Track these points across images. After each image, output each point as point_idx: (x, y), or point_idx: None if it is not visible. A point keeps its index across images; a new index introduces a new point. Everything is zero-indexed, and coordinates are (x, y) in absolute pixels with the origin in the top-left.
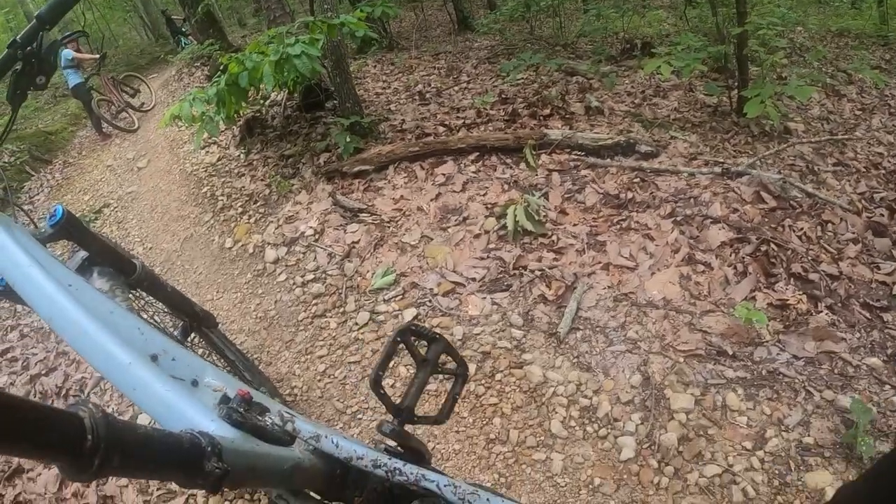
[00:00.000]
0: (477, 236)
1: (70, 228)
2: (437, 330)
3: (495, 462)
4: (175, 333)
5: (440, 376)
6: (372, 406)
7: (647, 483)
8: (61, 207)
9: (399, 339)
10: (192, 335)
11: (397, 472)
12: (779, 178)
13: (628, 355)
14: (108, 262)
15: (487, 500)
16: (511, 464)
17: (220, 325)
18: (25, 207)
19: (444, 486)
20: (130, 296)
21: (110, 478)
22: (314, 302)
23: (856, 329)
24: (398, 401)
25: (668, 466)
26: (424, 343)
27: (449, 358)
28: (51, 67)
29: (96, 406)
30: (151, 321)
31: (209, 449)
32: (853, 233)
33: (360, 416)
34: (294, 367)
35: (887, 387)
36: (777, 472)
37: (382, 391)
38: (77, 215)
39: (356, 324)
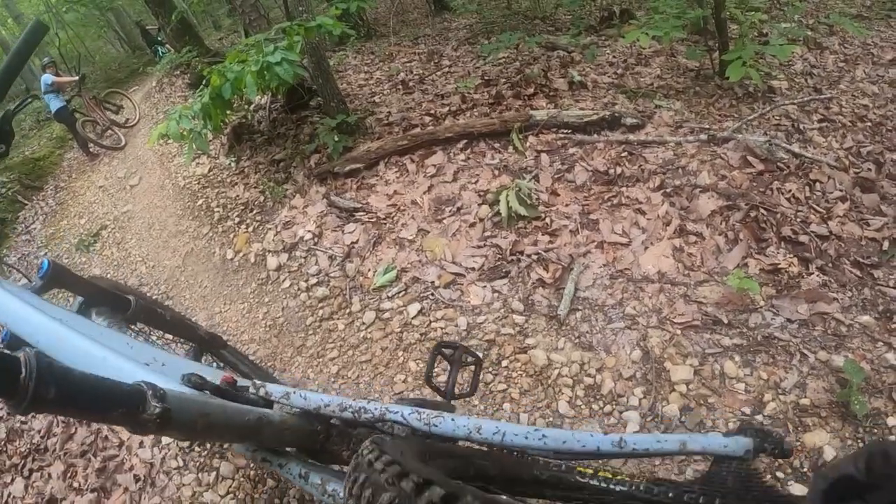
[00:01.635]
0: (472, 225)
1: (59, 278)
2: (443, 322)
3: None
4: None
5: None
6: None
7: None
8: (47, 261)
9: (435, 351)
10: (203, 357)
11: (363, 410)
12: (765, 140)
13: (627, 331)
14: (103, 302)
15: (452, 419)
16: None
17: (229, 340)
18: (22, 239)
19: (409, 414)
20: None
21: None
22: (320, 305)
23: (847, 288)
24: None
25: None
26: (451, 349)
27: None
28: (8, 135)
29: (35, 350)
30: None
31: (150, 393)
32: (841, 190)
33: None
34: (308, 372)
35: (880, 343)
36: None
37: (433, 385)
38: (76, 241)
39: (363, 323)
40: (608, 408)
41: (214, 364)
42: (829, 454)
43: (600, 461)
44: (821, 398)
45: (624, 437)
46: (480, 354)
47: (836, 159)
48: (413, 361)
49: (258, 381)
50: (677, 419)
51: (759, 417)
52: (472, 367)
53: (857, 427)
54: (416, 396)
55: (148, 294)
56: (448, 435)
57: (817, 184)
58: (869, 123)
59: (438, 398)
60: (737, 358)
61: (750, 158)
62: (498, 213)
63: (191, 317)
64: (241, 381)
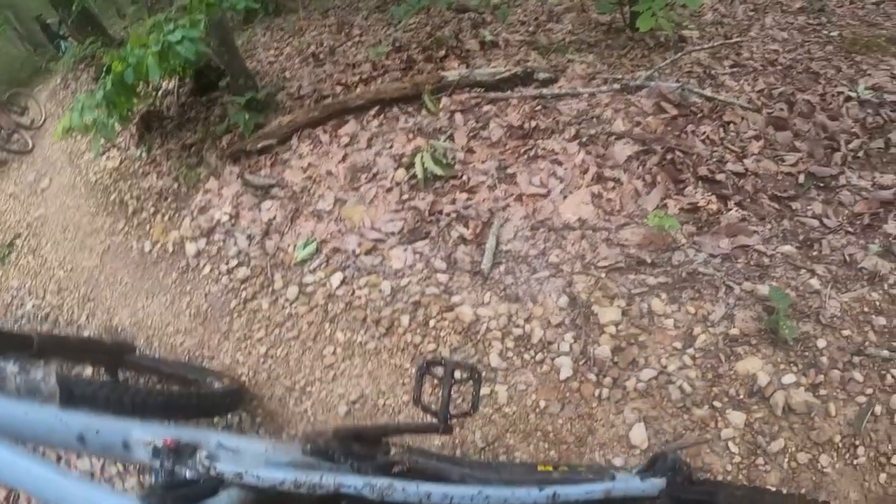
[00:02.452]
0: (389, 190)
1: None
2: (366, 289)
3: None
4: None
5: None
6: (318, 378)
7: (589, 397)
8: None
9: (421, 371)
10: (119, 373)
11: (317, 486)
12: (677, 86)
13: (553, 279)
14: (7, 347)
15: (403, 488)
16: (459, 404)
17: (154, 334)
18: None
19: (362, 487)
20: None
21: None
22: (243, 287)
23: (766, 221)
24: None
25: (607, 378)
26: (440, 366)
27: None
28: None
29: None
30: None
31: None
32: (755, 130)
33: (309, 388)
34: (237, 356)
35: (803, 271)
36: (709, 365)
37: (424, 406)
38: None
39: (287, 300)
40: (540, 356)
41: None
42: (763, 380)
43: None
44: (749, 327)
45: (557, 491)
46: (406, 319)
47: (749, 101)
48: (340, 332)
49: (204, 456)
50: (610, 360)
51: (689, 351)
52: (470, 383)
53: (789, 351)
54: (408, 421)
55: (69, 298)
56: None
57: (731, 125)
58: (779, 67)
59: (433, 420)
60: (663, 295)
61: (663, 104)
62: (414, 176)
63: (113, 316)
64: (185, 437)
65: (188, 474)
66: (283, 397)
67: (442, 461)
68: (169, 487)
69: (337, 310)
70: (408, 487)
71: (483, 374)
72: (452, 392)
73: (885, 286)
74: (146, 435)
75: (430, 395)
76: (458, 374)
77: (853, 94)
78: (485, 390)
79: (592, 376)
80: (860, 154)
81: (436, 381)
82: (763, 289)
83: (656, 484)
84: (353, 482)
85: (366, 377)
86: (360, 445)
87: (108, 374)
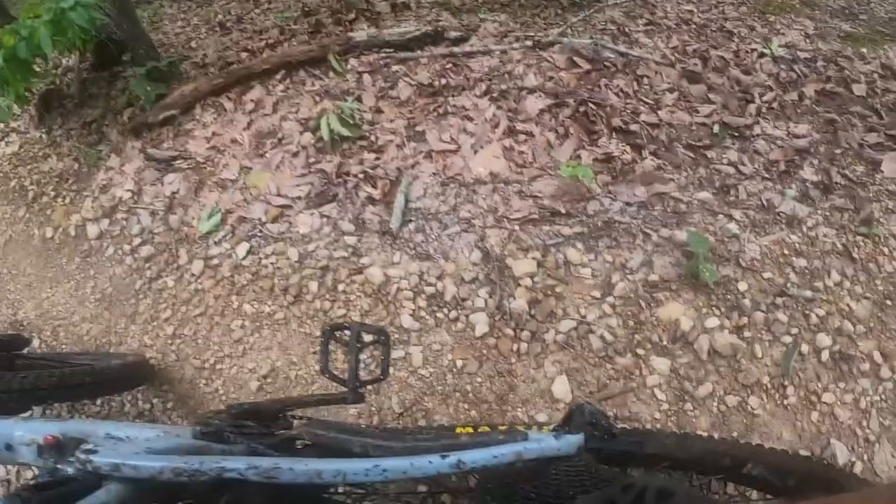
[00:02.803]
0: (295, 154)
1: None
2: (273, 258)
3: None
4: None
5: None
6: (228, 354)
7: (507, 352)
8: None
9: (326, 336)
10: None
11: (199, 473)
12: (590, 42)
13: (464, 235)
14: None
15: (290, 468)
16: (373, 369)
17: (61, 324)
18: None
19: (245, 470)
20: None
21: None
22: (147, 266)
23: (682, 169)
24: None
25: (524, 331)
26: (345, 331)
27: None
28: None
29: None
30: None
31: None
32: (669, 83)
33: (219, 366)
34: (144, 339)
35: (720, 216)
36: (630, 313)
37: (332, 374)
38: None
39: (193, 275)
40: (454, 314)
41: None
42: (686, 325)
43: None
44: (669, 273)
45: (461, 458)
46: (314, 285)
47: (663, 56)
48: (247, 304)
49: (84, 450)
50: (527, 314)
51: (609, 300)
52: (379, 346)
53: (710, 295)
54: (317, 393)
55: None
56: (291, 483)
57: (645, 79)
58: (694, 26)
59: (344, 389)
60: (579, 245)
61: (577, 60)
62: (321, 139)
63: (18, 310)
64: (71, 430)
65: (70, 471)
66: (193, 378)
67: (346, 432)
68: (39, 488)
69: (244, 281)
70: (296, 466)
71: (391, 335)
72: (361, 357)
73: (804, 229)
74: (28, 433)
75: (343, 362)
76: (365, 338)
77: (767, 52)
78: (399, 353)
79: (510, 331)
80: (774, 105)
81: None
82: (681, 235)
83: (573, 441)
84: (235, 465)
85: (276, 349)
86: (256, 423)
87: (2, 370)
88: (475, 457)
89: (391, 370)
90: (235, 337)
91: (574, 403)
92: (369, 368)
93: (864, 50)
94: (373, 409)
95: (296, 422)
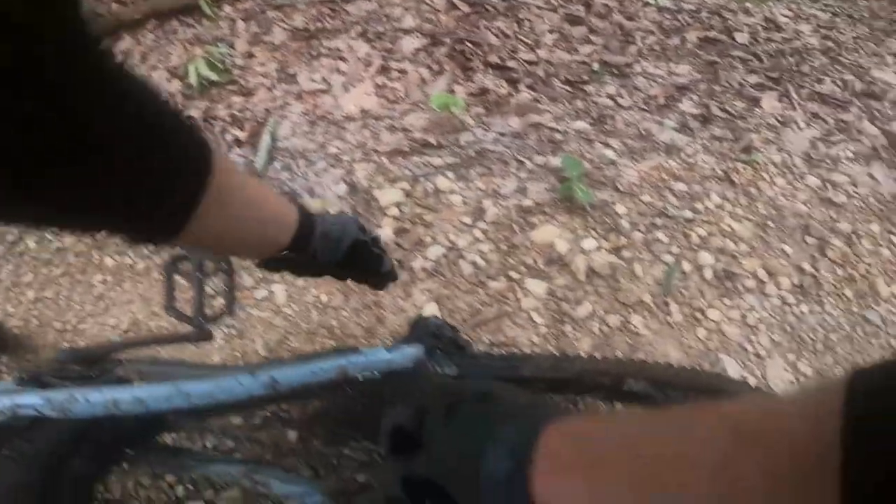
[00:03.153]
0: None
1: None
2: None
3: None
4: None
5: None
6: (89, 313)
7: None
8: None
9: (169, 269)
10: None
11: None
12: None
13: (331, 170)
14: None
15: (87, 399)
16: (237, 312)
17: None
18: None
19: (41, 405)
20: None
21: None
22: (7, 230)
23: (559, 102)
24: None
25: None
26: (186, 262)
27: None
28: None
29: None
30: None
31: None
32: (550, 26)
33: (81, 326)
34: (7, 308)
35: (597, 143)
36: (503, 237)
37: (176, 312)
38: None
39: (54, 232)
40: None
41: None
42: (562, 247)
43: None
44: (543, 197)
45: (274, 376)
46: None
47: (546, 1)
48: (109, 257)
49: None
50: (393, 243)
51: (480, 225)
52: (223, 277)
53: (587, 217)
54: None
55: None
56: (89, 417)
57: (526, 21)
58: None
59: (190, 328)
60: (450, 174)
61: (456, 2)
62: (190, 85)
63: None
64: None
65: None
66: (55, 342)
67: (174, 366)
68: None
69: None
70: (91, 397)
71: (233, 263)
72: (208, 291)
73: (683, 156)
74: None
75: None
76: (208, 269)
77: (651, 2)
78: (262, 293)
79: None
80: (656, 48)
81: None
82: (556, 161)
83: (409, 353)
84: (29, 401)
85: (138, 301)
86: (81, 367)
87: None
88: (291, 374)
89: (255, 311)
90: (97, 293)
91: (418, 315)
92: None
93: (749, 5)
94: (237, 353)
95: (125, 364)
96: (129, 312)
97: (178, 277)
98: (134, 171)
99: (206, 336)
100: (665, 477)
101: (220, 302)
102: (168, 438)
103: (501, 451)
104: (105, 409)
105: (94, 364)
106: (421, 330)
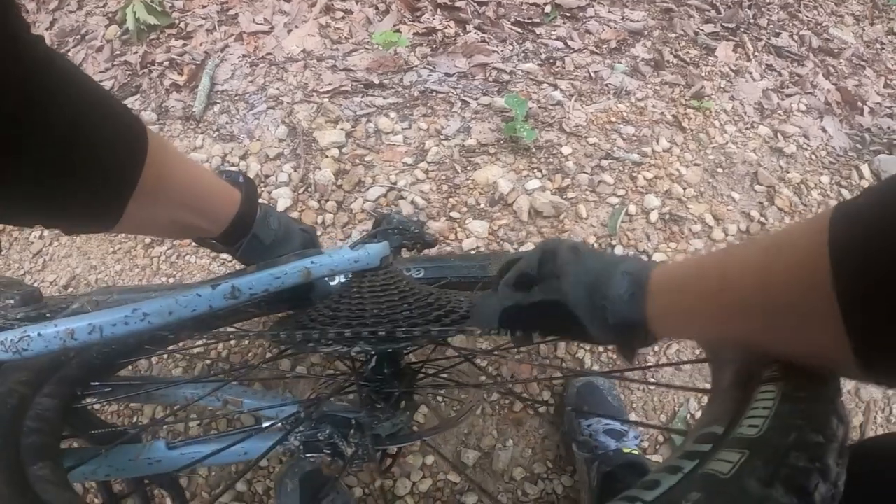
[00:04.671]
0: (99, 49)
1: None
2: None
3: (160, 266)
4: None
5: None
6: (28, 270)
7: (311, 224)
8: None
9: None
10: None
11: None
12: None
13: (271, 112)
14: None
15: (40, 334)
16: (174, 261)
17: None
18: None
19: None
20: None
21: None
22: None
23: (508, 43)
24: None
25: (330, 202)
26: None
27: None
28: None
29: None
30: None
31: None
32: None
33: None
34: None
35: (545, 85)
36: (444, 177)
37: None
38: None
39: None
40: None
41: None
42: (505, 187)
43: None
44: (487, 137)
45: (235, 284)
46: None
47: None
48: None
49: None
50: (332, 183)
51: (422, 165)
52: None
53: (531, 158)
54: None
55: None
56: (43, 353)
57: None
58: None
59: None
60: (392, 114)
61: None
62: (127, 31)
63: None
64: None
65: None
66: None
67: (130, 292)
68: None
69: None
70: (45, 331)
71: None
72: None
73: (633, 100)
74: None
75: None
76: None
77: None
78: None
79: (314, 203)
80: None
81: None
82: (501, 102)
83: (374, 251)
84: None
85: (76, 255)
86: (33, 309)
87: None
88: (252, 280)
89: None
90: (35, 250)
91: (379, 212)
92: None
93: None
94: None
95: (79, 297)
96: (67, 268)
97: None
98: (66, 163)
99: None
100: (724, 286)
101: None
102: (134, 369)
103: (625, 278)
104: (61, 342)
105: (46, 304)
106: (385, 226)
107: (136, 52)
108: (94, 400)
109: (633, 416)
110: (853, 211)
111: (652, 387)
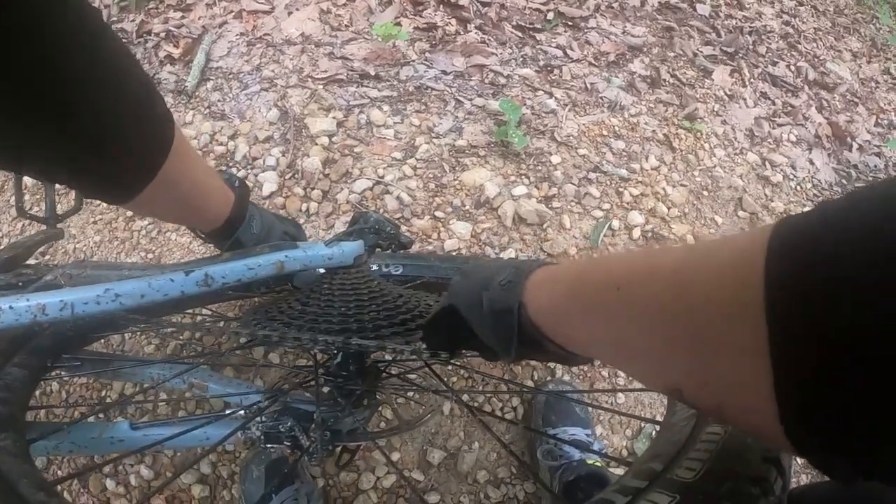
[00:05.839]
0: None
1: None
2: None
3: (139, 240)
4: None
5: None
6: None
7: (295, 212)
8: None
9: (17, 175)
10: None
11: None
12: None
13: (264, 94)
14: None
15: (10, 306)
16: (155, 236)
17: None
18: None
19: None
20: None
21: None
22: None
23: (507, 46)
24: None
25: (315, 191)
26: None
27: None
28: None
29: None
30: None
31: None
32: None
33: None
34: None
35: (540, 92)
36: (432, 175)
37: (29, 213)
38: None
39: None
40: (242, 173)
41: None
42: (492, 191)
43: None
44: (478, 139)
45: (209, 272)
46: None
47: None
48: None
49: None
50: (320, 172)
51: (410, 161)
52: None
53: (520, 164)
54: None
55: None
56: (13, 326)
57: None
58: None
59: (43, 227)
60: (385, 107)
61: None
62: None
63: None
64: None
65: None
66: None
67: (102, 268)
68: None
69: None
70: (16, 304)
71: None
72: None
73: (626, 115)
74: None
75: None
76: None
77: None
78: None
79: (300, 190)
80: (615, 6)
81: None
82: (496, 105)
83: (349, 249)
84: None
85: None
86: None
87: None
88: (225, 269)
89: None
90: (14, 214)
91: (357, 211)
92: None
93: None
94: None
95: (53, 268)
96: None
97: (26, 180)
98: (103, 138)
99: (59, 235)
100: (628, 278)
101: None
102: (103, 344)
103: (509, 270)
104: (31, 315)
105: (19, 272)
106: (361, 225)
107: (133, 21)
108: (64, 373)
109: (599, 429)
110: (802, 218)
111: (611, 408)
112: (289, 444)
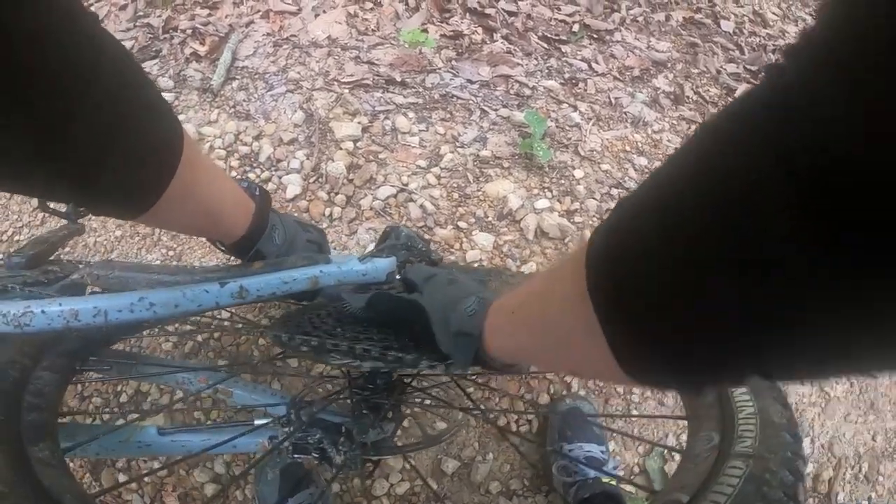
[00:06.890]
0: (123, 7)
1: None
2: None
3: (161, 237)
4: None
5: None
6: (26, 222)
7: (318, 216)
8: None
9: None
10: None
11: None
12: None
13: (290, 95)
14: None
15: (43, 311)
16: (176, 233)
17: None
18: None
19: None
20: None
21: None
22: None
23: (533, 57)
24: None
25: (339, 196)
26: None
27: None
28: None
29: None
30: None
31: None
32: None
33: (17, 237)
34: None
35: (564, 105)
36: (456, 185)
37: (51, 208)
38: None
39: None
40: (266, 174)
41: None
42: (515, 203)
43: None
44: (503, 150)
45: (244, 284)
46: None
47: None
48: None
49: None
50: (344, 177)
51: (434, 170)
52: None
53: (544, 177)
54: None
55: None
56: (45, 330)
57: None
58: None
59: (65, 222)
60: (411, 114)
61: None
62: None
63: None
64: None
65: None
66: None
67: (131, 270)
68: None
69: None
70: (49, 309)
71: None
72: None
73: (649, 131)
74: None
75: None
76: None
77: None
78: None
79: (323, 194)
80: (640, 20)
81: None
82: (520, 116)
83: (381, 265)
84: None
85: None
86: (34, 272)
87: None
88: (261, 282)
89: None
90: (35, 203)
91: (389, 225)
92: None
93: None
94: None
95: (79, 268)
96: (61, 220)
97: None
98: (102, 158)
99: (80, 231)
100: (519, 303)
101: None
102: (130, 345)
103: (475, 299)
104: (64, 321)
105: (45, 269)
106: (393, 241)
107: (160, 16)
108: (92, 376)
109: (611, 445)
110: (612, 213)
111: (629, 424)
112: (317, 455)
